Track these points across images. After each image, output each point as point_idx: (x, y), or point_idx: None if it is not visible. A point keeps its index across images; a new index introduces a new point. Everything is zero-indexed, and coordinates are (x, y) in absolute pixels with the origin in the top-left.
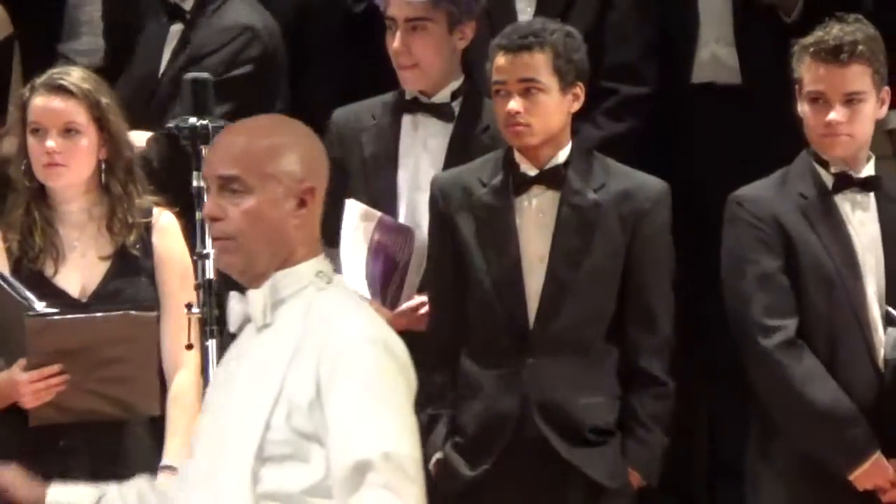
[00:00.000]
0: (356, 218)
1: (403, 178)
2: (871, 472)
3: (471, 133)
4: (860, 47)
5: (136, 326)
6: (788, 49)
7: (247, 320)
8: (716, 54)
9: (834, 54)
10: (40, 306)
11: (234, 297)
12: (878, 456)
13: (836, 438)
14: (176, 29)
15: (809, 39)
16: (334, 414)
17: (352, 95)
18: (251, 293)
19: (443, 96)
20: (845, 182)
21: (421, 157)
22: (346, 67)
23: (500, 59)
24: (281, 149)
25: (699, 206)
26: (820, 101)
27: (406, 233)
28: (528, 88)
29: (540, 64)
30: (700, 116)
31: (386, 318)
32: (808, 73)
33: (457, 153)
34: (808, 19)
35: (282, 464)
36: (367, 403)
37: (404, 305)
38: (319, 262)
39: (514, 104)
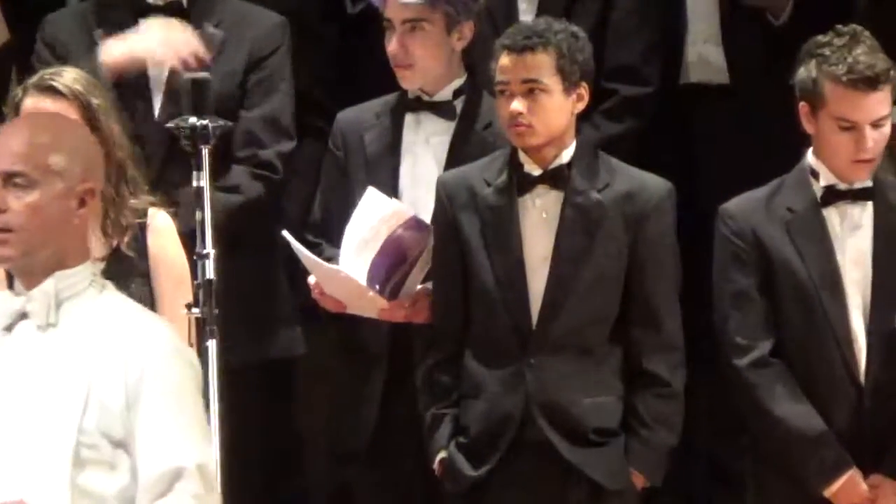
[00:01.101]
0: (387, 212)
1: (405, 175)
2: (844, 490)
3: (473, 131)
4: (893, 73)
5: None
6: (776, 49)
7: (18, 318)
8: (704, 54)
9: (870, 84)
10: None
11: (2, 295)
12: (850, 474)
13: (806, 458)
14: None
15: (838, 67)
16: (144, 423)
17: (348, 96)
18: (34, 292)
19: (445, 94)
20: (835, 195)
21: (423, 155)
22: (340, 70)
23: (504, 59)
24: (63, 146)
25: (690, 207)
26: (853, 129)
27: (425, 230)
28: (532, 89)
29: (543, 65)
30: (689, 116)
31: (382, 307)
32: (837, 99)
33: (459, 151)
34: (797, 23)
35: (95, 468)
36: (177, 413)
37: (403, 297)
38: (94, 265)
39: (517, 105)
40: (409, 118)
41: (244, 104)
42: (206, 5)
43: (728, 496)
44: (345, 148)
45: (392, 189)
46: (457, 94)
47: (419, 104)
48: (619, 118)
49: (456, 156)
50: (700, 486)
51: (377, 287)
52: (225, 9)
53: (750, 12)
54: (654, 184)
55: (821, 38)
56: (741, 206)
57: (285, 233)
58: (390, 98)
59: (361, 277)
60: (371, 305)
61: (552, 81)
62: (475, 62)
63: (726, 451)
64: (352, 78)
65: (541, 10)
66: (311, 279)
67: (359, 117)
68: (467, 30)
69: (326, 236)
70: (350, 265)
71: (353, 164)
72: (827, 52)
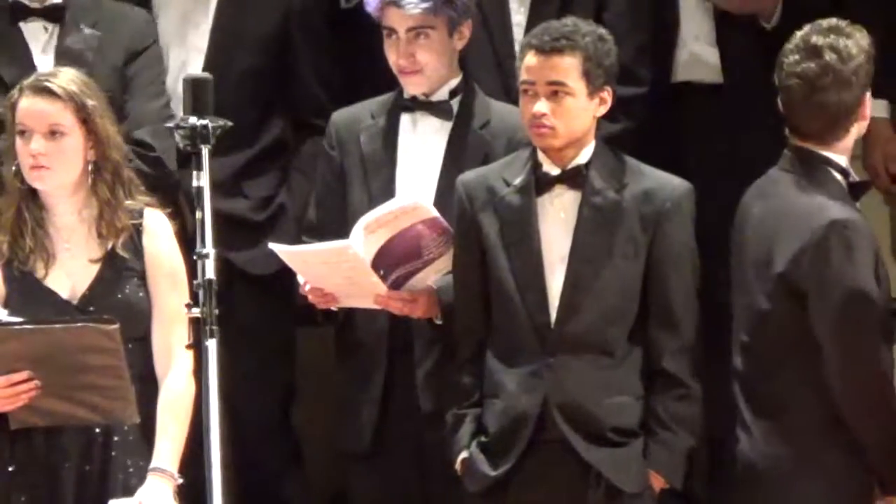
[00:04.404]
0: (409, 204)
1: (402, 175)
2: None
3: (469, 130)
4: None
5: (98, 337)
6: (769, 48)
7: None
8: (696, 53)
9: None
10: (3, 314)
11: None
12: None
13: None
14: (45, 28)
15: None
16: None
17: (344, 95)
18: None
19: (441, 94)
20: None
21: (420, 154)
22: (337, 67)
23: (531, 59)
24: None
25: None
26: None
27: (447, 235)
28: (556, 91)
29: (570, 67)
30: (681, 115)
31: (380, 292)
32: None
33: (455, 150)
34: (787, 24)
35: None
36: None
37: (405, 290)
38: None
39: (541, 106)
40: (405, 118)
41: (126, 93)
42: (82, 8)
43: (728, 495)
44: (340, 148)
45: (389, 189)
46: (453, 93)
47: (415, 104)
48: (615, 118)
49: (452, 155)
50: (700, 486)
51: (381, 272)
52: (100, 9)
53: (742, 15)
54: (672, 183)
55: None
56: (854, 213)
57: (272, 245)
58: (385, 98)
59: (367, 258)
60: (368, 291)
61: (577, 85)
62: (469, 64)
63: (726, 451)
64: (350, 75)
65: (533, 11)
66: (301, 279)
67: (354, 117)
68: (466, 29)
69: (322, 237)
70: (358, 242)
71: (350, 165)
72: None
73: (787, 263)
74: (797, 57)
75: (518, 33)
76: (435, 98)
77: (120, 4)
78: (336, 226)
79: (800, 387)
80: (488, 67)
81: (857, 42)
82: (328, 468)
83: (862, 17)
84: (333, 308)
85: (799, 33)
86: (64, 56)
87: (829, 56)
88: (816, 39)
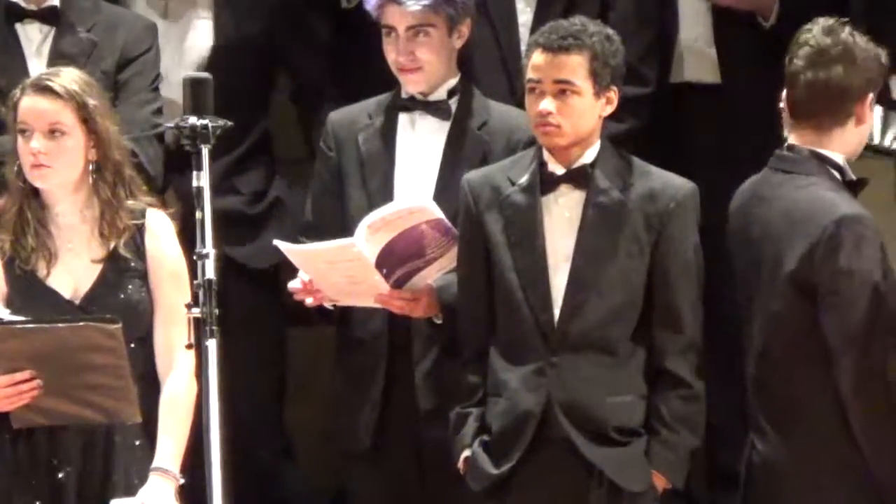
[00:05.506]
0: (415, 206)
1: (400, 175)
2: None
3: (468, 130)
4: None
5: (99, 336)
6: (768, 47)
7: None
8: (695, 54)
9: None
10: (5, 314)
11: None
12: None
13: None
14: (41, 30)
15: None
16: None
17: (342, 94)
18: None
19: (439, 94)
20: None
21: (418, 154)
22: (334, 66)
23: (538, 58)
24: None
25: None
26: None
27: (450, 236)
28: (563, 90)
29: (577, 66)
30: (679, 115)
31: (383, 290)
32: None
33: (454, 150)
34: (785, 25)
35: None
36: None
37: (406, 289)
38: None
39: (547, 104)
40: (403, 118)
41: (118, 97)
42: (79, 11)
43: (728, 496)
44: (338, 149)
45: (387, 189)
46: (451, 93)
47: (414, 104)
48: (621, 118)
49: (451, 155)
50: (700, 486)
51: (384, 271)
52: (99, 13)
53: (740, 14)
54: (676, 184)
55: None
56: (862, 210)
57: (277, 242)
58: (383, 98)
59: (371, 257)
60: (369, 290)
61: (584, 84)
62: (475, 65)
63: (726, 451)
64: (348, 76)
65: (539, 11)
66: (298, 278)
67: (352, 118)
68: (465, 28)
69: (320, 237)
70: (361, 241)
71: (347, 165)
72: None
73: (797, 261)
74: (814, 32)
75: (524, 33)
76: (433, 98)
77: (120, 9)
78: (334, 226)
79: (818, 389)
80: (494, 68)
81: (874, 47)
82: (326, 467)
83: (862, 20)
84: (327, 305)
85: (820, 20)
86: (57, 59)
87: (846, 36)
88: (837, 25)
